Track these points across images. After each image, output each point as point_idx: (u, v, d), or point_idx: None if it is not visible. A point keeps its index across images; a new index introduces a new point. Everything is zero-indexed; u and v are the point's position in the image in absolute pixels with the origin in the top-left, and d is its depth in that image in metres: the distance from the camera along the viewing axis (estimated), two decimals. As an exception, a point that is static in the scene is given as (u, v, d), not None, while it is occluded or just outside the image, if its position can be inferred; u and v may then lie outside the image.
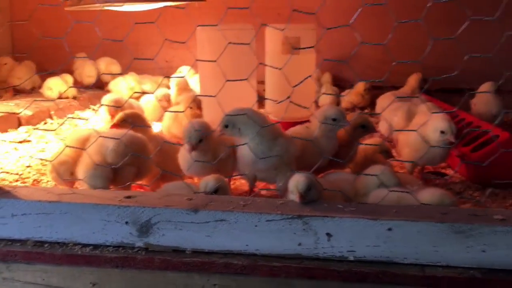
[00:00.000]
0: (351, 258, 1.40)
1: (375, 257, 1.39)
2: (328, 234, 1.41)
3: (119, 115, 2.13)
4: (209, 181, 1.69)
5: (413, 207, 1.48)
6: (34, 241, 1.53)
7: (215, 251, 1.46)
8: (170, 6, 3.07)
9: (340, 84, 4.35)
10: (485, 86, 3.18)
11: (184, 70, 4.11)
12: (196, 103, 2.53)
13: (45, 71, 4.28)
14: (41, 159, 2.35)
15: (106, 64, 4.43)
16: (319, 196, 1.53)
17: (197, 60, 2.92)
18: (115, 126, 2.06)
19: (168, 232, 1.48)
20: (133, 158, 1.81)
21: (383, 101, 3.27)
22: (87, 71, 4.40)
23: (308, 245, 1.42)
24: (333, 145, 1.95)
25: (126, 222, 1.49)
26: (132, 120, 2.06)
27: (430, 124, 2.03)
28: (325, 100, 4.05)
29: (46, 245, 1.51)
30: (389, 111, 2.84)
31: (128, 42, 4.56)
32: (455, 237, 1.36)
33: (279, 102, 2.02)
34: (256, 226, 1.44)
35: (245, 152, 1.78)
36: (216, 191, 1.66)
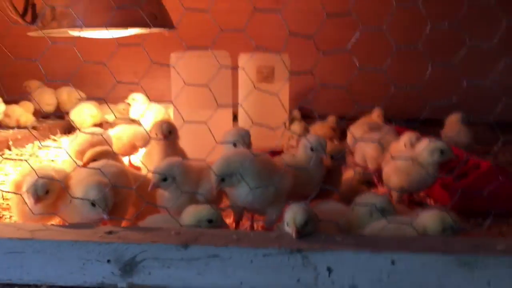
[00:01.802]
0: (353, 294, 1.33)
1: (378, 292, 1.32)
2: (329, 269, 1.33)
3: (89, 154, 1.99)
4: None
5: (415, 238, 1.43)
6: (2, 284, 1.36)
7: (207, 290, 1.35)
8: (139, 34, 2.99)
9: (310, 115, 4.34)
10: (454, 117, 3.23)
11: (138, 97, 4.01)
12: (162, 129, 2.15)
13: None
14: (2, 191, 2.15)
15: (68, 93, 4.26)
16: (315, 229, 1.46)
17: (173, 99, 2.83)
18: (85, 165, 1.90)
19: (155, 271, 1.36)
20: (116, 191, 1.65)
21: (355, 130, 3.24)
22: (46, 99, 4.21)
23: (307, 280, 1.34)
24: (322, 173, 1.89)
25: (108, 261, 1.36)
26: (103, 158, 1.91)
27: (426, 146, 2.03)
28: (296, 130, 4.02)
29: (15, 288, 1.36)
30: (363, 142, 2.81)
31: (88, 71, 4.45)
32: (460, 269, 1.31)
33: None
34: (252, 261, 1.34)
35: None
36: None
